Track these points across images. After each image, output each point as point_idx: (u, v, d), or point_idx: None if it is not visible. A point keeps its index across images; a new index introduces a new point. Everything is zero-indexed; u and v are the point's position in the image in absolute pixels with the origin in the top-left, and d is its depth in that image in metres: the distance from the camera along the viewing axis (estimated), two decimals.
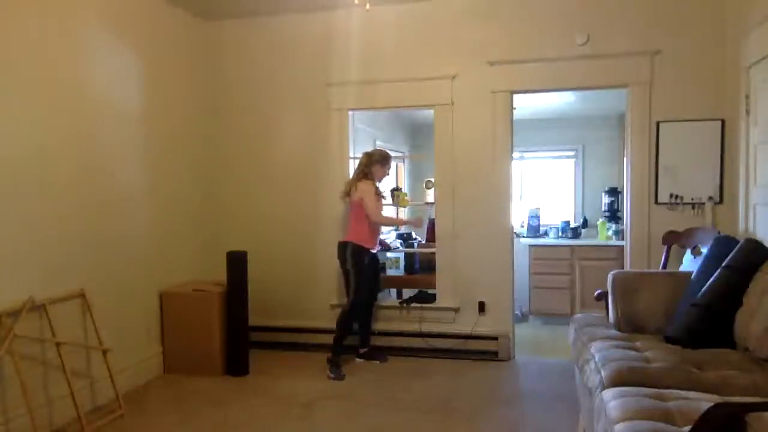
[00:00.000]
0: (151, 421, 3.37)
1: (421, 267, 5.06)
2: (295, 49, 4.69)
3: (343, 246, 4.24)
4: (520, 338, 4.75)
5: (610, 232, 5.87)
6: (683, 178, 4.04)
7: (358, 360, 4.40)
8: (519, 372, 4.23)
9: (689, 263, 3.69)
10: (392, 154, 6.76)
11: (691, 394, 2.11)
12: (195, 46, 4.70)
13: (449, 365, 4.32)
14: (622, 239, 4.72)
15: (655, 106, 4.08)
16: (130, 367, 3.88)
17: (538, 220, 6.36)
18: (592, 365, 2.58)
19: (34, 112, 3.18)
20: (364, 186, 4.19)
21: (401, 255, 5.08)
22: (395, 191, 4.78)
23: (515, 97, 4.42)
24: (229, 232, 4.84)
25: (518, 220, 6.22)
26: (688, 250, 3.84)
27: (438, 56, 4.44)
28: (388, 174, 4.39)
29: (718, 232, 3.61)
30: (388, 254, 5.02)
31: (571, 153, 6.67)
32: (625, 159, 4.28)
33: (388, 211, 5.08)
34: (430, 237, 5.03)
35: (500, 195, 4.41)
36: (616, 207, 6.02)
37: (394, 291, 5.14)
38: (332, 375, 4.05)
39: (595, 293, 3.64)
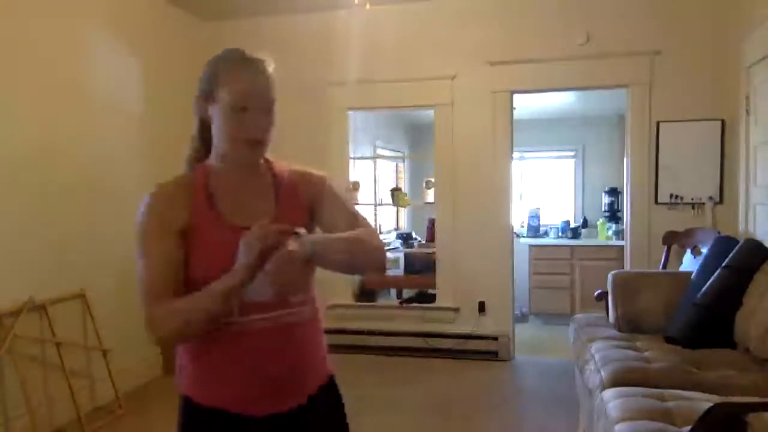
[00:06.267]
0: (151, 421, 3.37)
1: (421, 267, 5.06)
2: (295, 49, 4.69)
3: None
4: (520, 338, 4.75)
5: (610, 232, 5.88)
6: (683, 178, 4.04)
7: None
8: (519, 372, 4.23)
9: (689, 263, 3.69)
10: (392, 154, 6.82)
11: (691, 394, 2.11)
12: (195, 46, 4.69)
13: (449, 365, 4.31)
14: (622, 239, 4.72)
15: (655, 106, 4.07)
16: (130, 367, 3.88)
17: (538, 220, 6.36)
18: (592, 365, 2.58)
19: (34, 112, 3.18)
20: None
21: (401, 255, 5.08)
22: (395, 191, 4.78)
23: (515, 97, 4.42)
24: None
25: (518, 220, 6.22)
26: (688, 250, 3.84)
27: (438, 56, 4.44)
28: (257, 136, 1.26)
29: (718, 232, 3.60)
30: (389, 254, 5.02)
31: (571, 153, 6.67)
32: (625, 159, 4.28)
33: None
34: (430, 237, 5.03)
35: (500, 195, 4.40)
36: (616, 207, 6.02)
37: (394, 291, 5.14)
38: None
39: (595, 293, 3.63)
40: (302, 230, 1.17)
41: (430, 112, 4.65)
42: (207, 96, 1.25)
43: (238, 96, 1.21)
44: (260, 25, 4.75)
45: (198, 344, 1.26)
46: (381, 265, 1.33)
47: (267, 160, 1.36)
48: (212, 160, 1.31)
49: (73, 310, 3.41)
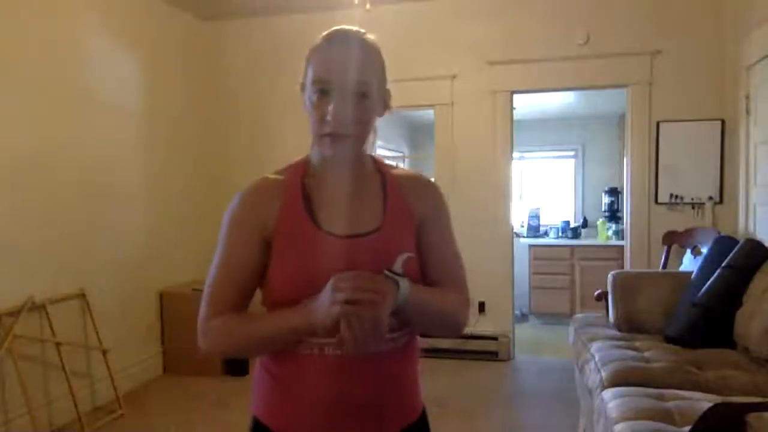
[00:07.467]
0: (151, 421, 3.37)
1: None
2: (295, 49, 4.66)
3: None
4: (520, 338, 4.75)
5: (610, 232, 5.88)
6: (683, 178, 4.04)
7: None
8: (519, 372, 4.23)
9: (689, 263, 3.69)
10: (392, 154, 6.81)
11: (691, 394, 2.11)
12: (195, 46, 4.69)
13: (449, 365, 4.31)
14: (622, 239, 4.72)
15: (655, 106, 4.07)
16: (130, 367, 3.88)
17: (538, 220, 6.36)
18: (592, 365, 2.58)
19: (34, 112, 3.18)
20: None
21: None
22: None
23: (515, 97, 4.42)
24: None
25: (518, 220, 6.22)
26: (688, 250, 3.84)
27: (438, 56, 4.44)
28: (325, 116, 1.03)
29: (718, 232, 3.61)
30: None
31: (571, 153, 6.67)
32: (625, 159, 4.28)
33: None
34: None
35: (500, 195, 4.40)
36: (616, 207, 6.02)
37: None
38: None
39: (595, 293, 3.63)
40: (410, 255, 1.01)
41: (430, 112, 4.65)
42: (302, 85, 1.08)
43: (315, 75, 1.02)
44: (260, 25, 4.76)
45: (269, 360, 1.11)
46: (454, 336, 1.16)
47: (376, 160, 1.18)
48: (313, 156, 1.12)
49: (73, 310, 3.41)
